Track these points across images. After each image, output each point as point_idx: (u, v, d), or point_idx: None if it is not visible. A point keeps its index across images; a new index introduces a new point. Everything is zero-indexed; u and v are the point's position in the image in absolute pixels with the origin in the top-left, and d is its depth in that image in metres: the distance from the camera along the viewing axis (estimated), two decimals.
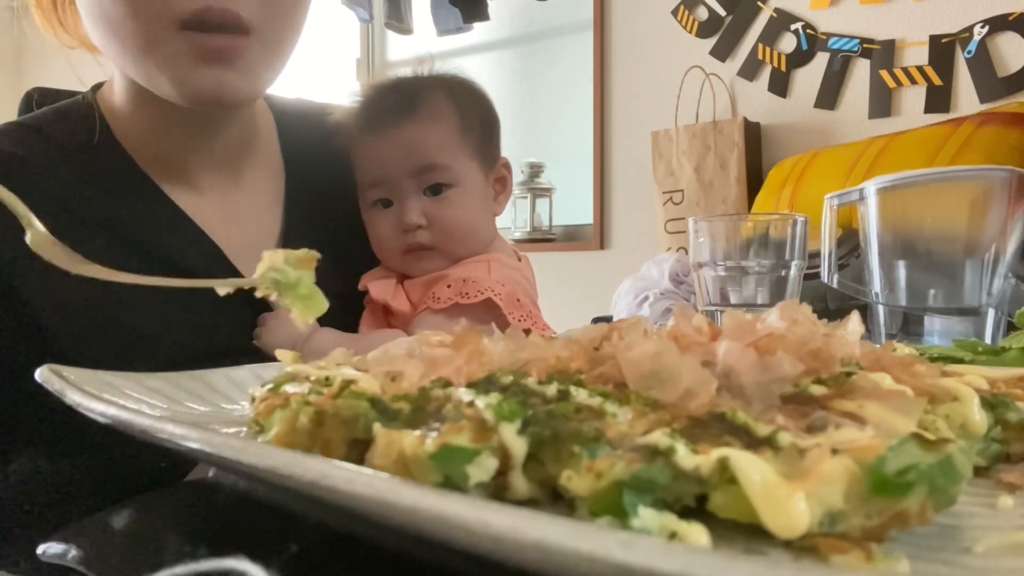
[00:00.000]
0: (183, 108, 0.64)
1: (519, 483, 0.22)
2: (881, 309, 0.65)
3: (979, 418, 0.27)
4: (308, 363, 0.35)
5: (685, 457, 0.20)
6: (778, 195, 1.89)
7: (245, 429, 0.34)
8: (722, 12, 2.33)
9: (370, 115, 0.74)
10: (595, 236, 2.60)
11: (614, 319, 1.86)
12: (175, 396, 0.38)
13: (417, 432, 0.23)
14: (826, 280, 0.70)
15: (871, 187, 0.65)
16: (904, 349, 0.37)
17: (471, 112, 0.75)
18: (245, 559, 0.19)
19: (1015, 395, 0.30)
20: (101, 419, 0.28)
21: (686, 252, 1.97)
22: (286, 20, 0.62)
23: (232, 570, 0.19)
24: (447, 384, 0.27)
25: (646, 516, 0.19)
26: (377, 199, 0.75)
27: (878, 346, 0.32)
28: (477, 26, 2.77)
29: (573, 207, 2.70)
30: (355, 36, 3.26)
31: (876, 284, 0.65)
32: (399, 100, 0.73)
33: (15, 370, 0.59)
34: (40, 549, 0.21)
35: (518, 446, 0.22)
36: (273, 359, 0.65)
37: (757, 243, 0.62)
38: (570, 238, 2.73)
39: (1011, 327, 0.56)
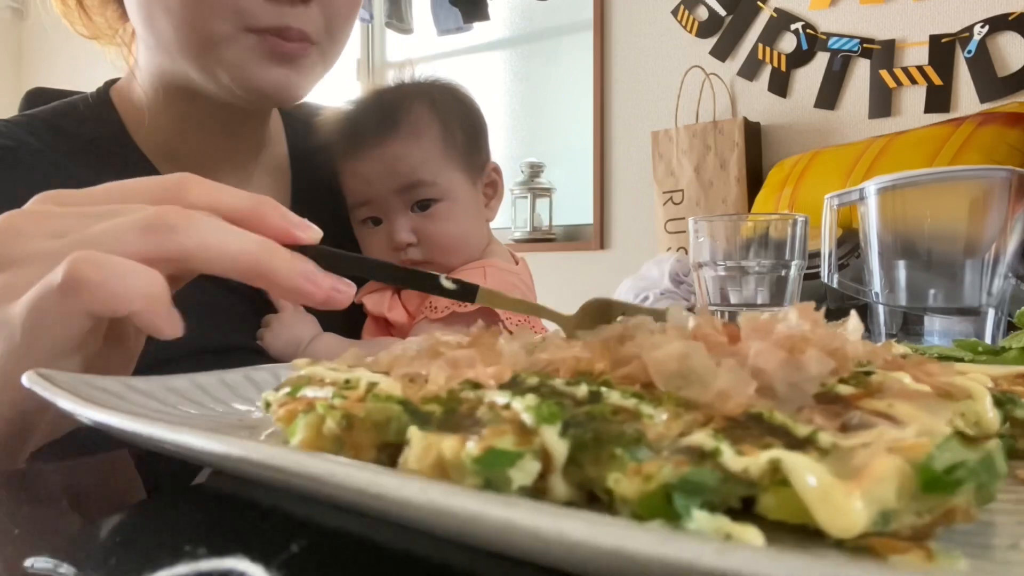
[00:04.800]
0: (211, 107, 0.64)
1: (559, 486, 0.22)
2: (881, 309, 0.65)
3: (992, 415, 0.27)
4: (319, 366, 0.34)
5: (732, 459, 0.20)
6: (778, 195, 1.89)
7: (244, 432, 0.34)
8: (722, 12, 2.33)
9: (353, 134, 0.74)
10: (595, 236, 2.60)
11: None
12: (166, 399, 0.37)
13: (456, 436, 0.22)
14: (826, 280, 0.70)
15: (871, 187, 0.65)
16: (900, 349, 0.37)
17: (454, 122, 0.75)
18: (245, 559, 0.19)
19: (1017, 392, 0.30)
20: (91, 424, 0.27)
21: (686, 252, 1.97)
22: (340, 38, 0.66)
23: (232, 570, 0.19)
24: (476, 386, 0.26)
25: (700, 519, 0.19)
26: (366, 217, 0.75)
27: (878, 345, 0.32)
28: (477, 26, 2.77)
29: (573, 207, 2.70)
30: (355, 36, 3.26)
31: (876, 284, 0.65)
32: (380, 117, 0.73)
33: None
34: (28, 563, 0.21)
35: (560, 449, 0.22)
36: (276, 360, 0.65)
37: (757, 243, 0.61)
38: (570, 238, 2.73)
39: (1011, 327, 0.56)
